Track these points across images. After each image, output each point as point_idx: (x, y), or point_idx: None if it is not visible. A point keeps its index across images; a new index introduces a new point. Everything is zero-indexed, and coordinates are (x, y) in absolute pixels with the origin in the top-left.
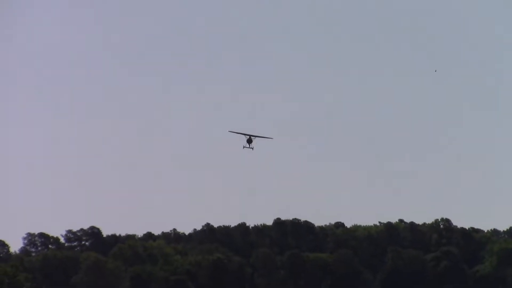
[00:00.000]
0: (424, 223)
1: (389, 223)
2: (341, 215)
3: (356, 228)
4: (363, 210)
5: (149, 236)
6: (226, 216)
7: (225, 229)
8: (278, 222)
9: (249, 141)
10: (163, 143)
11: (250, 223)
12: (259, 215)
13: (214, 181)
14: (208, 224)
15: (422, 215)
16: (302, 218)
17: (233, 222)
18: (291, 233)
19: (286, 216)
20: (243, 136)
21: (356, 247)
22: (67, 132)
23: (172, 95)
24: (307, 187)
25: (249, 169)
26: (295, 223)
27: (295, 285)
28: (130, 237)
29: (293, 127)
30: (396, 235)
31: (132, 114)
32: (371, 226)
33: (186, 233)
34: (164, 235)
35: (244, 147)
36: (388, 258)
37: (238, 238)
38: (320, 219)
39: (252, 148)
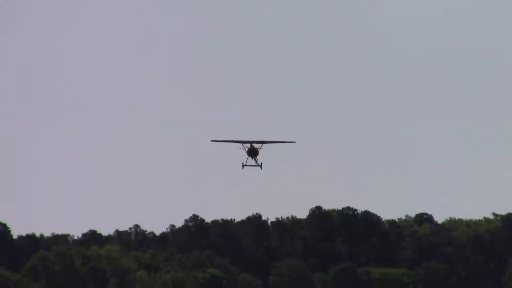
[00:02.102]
0: None
1: (510, 216)
2: (424, 202)
3: (453, 224)
4: (464, 194)
5: (92, 237)
6: (226, 205)
7: (225, 226)
8: (317, 213)
9: (252, 153)
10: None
11: (269, 215)
12: (284, 204)
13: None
14: (195, 217)
15: None
16: (359, 208)
17: (239, 215)
18: (339, 232)
19: (330, 204)
20: (241, 146)
21: (453, 257)
22: None
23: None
24: (360, 157)
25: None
26: (348, 215)
27: None
28: (59, 239)
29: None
30: None
31: None
32: (479, 221)
33: (157, 233)
34: (119, 235)
35: (244, 165)
36: (509, 276)
37: (248, 241)
38: (389, 210)
39: (260, 166)
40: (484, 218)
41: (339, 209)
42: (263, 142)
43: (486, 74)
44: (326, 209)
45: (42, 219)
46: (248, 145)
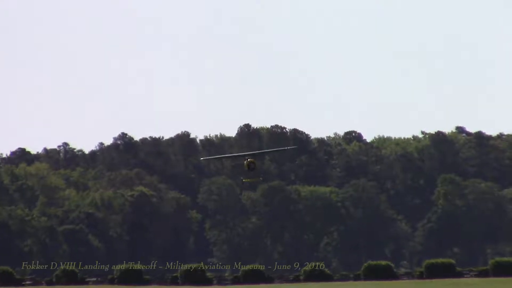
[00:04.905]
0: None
1: (439, 134)
2: (354, 121)
3: (381, 142)
4: (393, 113)
5: (20, 155)
6: (154, 123)
7: (154, 144)
8: (246, 131)
9: (251, 166)
10: None
11: (197, 133)
12: (212, 122)
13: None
14: (124, 135)
15: (489, 122)
16: (288, 126)
17: (167, 132)
18: (268, 150)
19: (259, 122)
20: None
21: (383, 175)
22: None
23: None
24: (290, 75)
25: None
26: (277, 134)
27: (276, 240)
28: None
29: None
30: (452, 155)
31: None
32: (407, 140)
33: (86, 151)
34: (48, 153)
35: (243, 180)
36: (438, 194)
37: (176, 159)
38: (318, 128)
39: (261, 178)
40: (413, 136)
41: (268, 127)
42: (263, 153)
43: None
44: (255, 127)
45: None
46: (247, 159)
